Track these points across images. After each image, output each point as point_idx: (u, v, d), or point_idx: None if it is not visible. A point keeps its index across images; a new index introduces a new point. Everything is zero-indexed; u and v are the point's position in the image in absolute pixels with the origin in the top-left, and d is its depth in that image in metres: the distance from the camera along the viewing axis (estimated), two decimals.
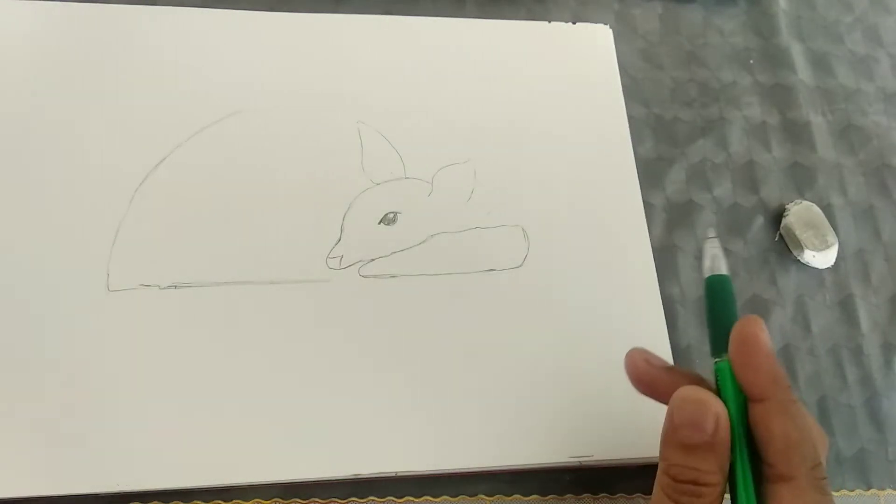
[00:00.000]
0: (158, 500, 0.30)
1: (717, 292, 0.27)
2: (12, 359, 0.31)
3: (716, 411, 0.24)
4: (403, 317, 0.34)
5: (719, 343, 0.26)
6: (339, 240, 0.36)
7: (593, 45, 0.43)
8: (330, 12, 0.42)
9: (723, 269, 0.27)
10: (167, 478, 0.30)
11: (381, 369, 0.33)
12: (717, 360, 0.26)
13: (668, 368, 0.28)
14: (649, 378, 0.28)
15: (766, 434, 0.24)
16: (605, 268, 0.37)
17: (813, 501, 0.24)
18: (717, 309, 0.27)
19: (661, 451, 0.25)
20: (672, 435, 0.25)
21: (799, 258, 0.39)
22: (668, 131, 0.42)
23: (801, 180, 0.42)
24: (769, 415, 0.24)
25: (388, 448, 0.32)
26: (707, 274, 0.27)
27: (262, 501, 0.31)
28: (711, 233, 0.28)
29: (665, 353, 0.35)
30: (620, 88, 0.42)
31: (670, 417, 0.25)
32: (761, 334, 0.25)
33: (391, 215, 0.37)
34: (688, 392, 0.25)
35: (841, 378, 0.37)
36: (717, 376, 0.26)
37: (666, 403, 0.27)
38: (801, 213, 0.40)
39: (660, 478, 0.25)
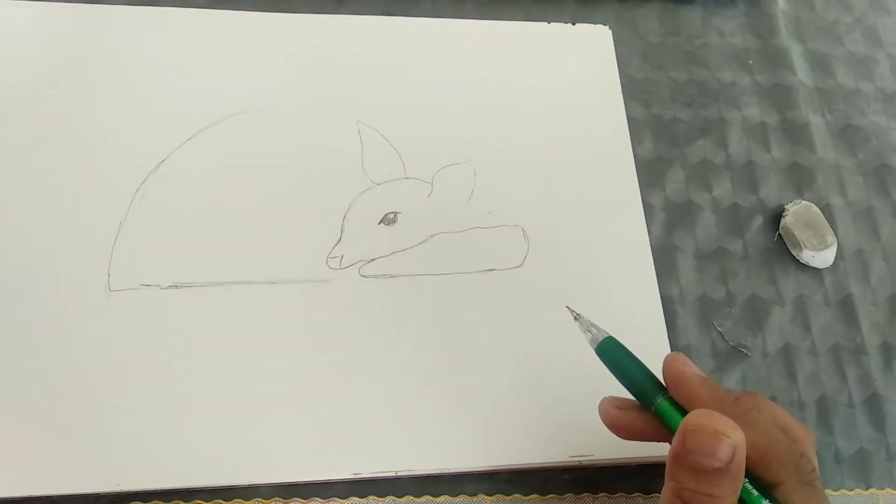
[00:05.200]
0: (159, 500, 0.30)
1: (613, 354, 0.28)
2: (13, 359, 0.32)
3: (734, 443, 0.23)
4: (403, 317, 0.34)
5: (645, 393, 0.27)
6: (340, 240, 0.36)
7: (593, 45, 0.44)
8: (330, 13, 0.42)
9: (603, 332, 0.28)
10: (167, 478, 0.30)
11: (381, 369, 0.33)
12: (652, 406, 0.27)
13: (640, 406, 0.28)
14: (625, 423, 0.28)
15: None
16: (604, 268, 0.37)
17: (803, 500, 0.24)
18: (623, 367, 0.27)
19: (669, 470, 0.24)
20: (683, 458, 0.23)
21: (798, 258, 0.39)
22: (668, 131, 0.42)
23: (801, 180, 0.42)
24: None
25: (388, 448, 0.32)
26: (594, 345, 0.28)
27: (263, 501, 0.31)
28: (574, 312, 0.29)
29: (664, 354, 0.35)
30: (620, 89, 0.42)
31: (681, 441, 0.23)
32: (686, 367, 0.26)
33: (391, 215, 0.37)
34: (701, 419, 0.24)
35: (840, 378, 0.37)
36: (662, 418, 0.26)
37: (649, 441, 0.28)
38: (800, 213, 0.40)
39: (669, 499, 0.24)
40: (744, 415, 0.25)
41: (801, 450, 0.25)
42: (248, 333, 0.33)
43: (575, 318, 0.29)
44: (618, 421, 0.28)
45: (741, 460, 0.23)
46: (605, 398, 0.29)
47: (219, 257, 0.35)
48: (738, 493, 0.24)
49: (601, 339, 0.28)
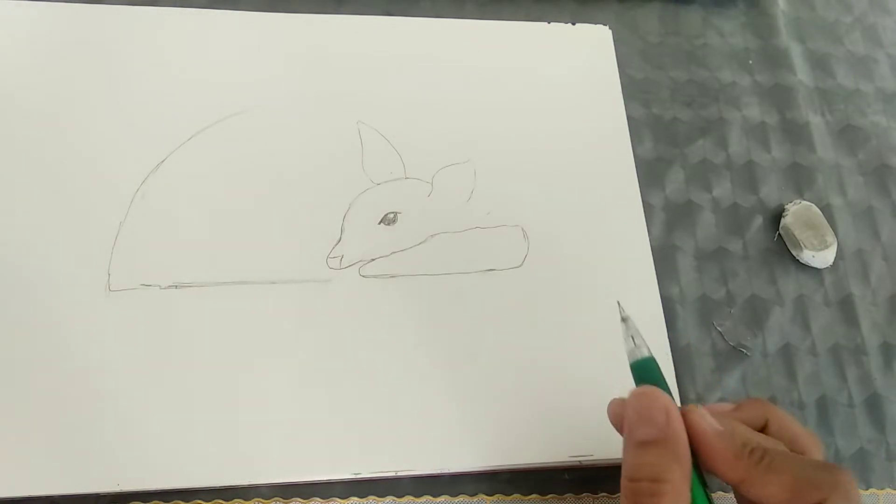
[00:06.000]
0: (158, 500, 0.30)
1: (645, 379, 0.26)
2: (13, 359, 0.32)
3: (664, 403, 0.24)
4: (403, 317, 0.34)
5: None
6: (340, 240, 0.36)
7: (593, 45, 0.44)
8: (330, 13, 0.42)
9: (646, 350, 0.27)
10: (167, 478, 0.30)
11: (381, 369, 0.33)
12: None
13: None
14: None
15: (766, 500, 0.24)
16: (604, 268, 0.37)
17: None
18: None
19: (622, 465, 0.25)
20: (628, 438, 0.25)
21: (798, 258, 0.39)
22: (668, 131, 0.42)
23: (801, 180, 0.42)
24: (755, 487, 0.24)
25: (388, 448, 0.32)
26: (631, 359, 0.27)
27: (263, 501, 0.31)
28: (623, 312, 0.27)
29: (664, 353, 0.35)
30: (620, 89, 0.42)
31: (627, 424, 0.25)
32: (703, 422, 0.25)
33: (391, 215, 0.37)
34: (639, 390, 0.25)
35: (840, 378, 0.37)
36: None
37: None
38: (800, 214, 0.40)
39: (622, 488, 0.24)
40: (763, 460, 0.24)
41: (835, 474, 0.24)
42: (249, 333, 0.33)
43: (622, 319, 0.27)
44: None
45: (678, 429, 0.24)
46: (614, 399, 0.28)
47: (219, 257, 0.35)
48: (684, 472, 0.23)
49: (641, 357, 0.26)
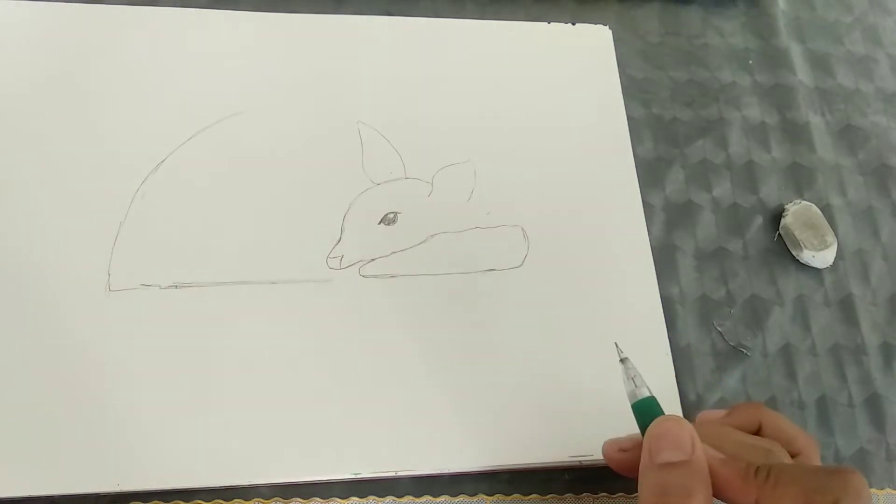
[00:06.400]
0: (158, 500, 0.30)
1: (648, 417, 0.26)
2: (12, 359, 0.32)
3: (689, 429, 0.25)
4: (403, 317, 0.34)
5: None
6: (340, 240, 0.36)
7: (593, 45, 0.44)
8: (330, 13, 0.42)
9: (646, 391, 0.27)
10: (167, 478, 0.30)
11: (381, 369, 0.33)
12: None
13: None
14: (629, 464, 0.28)
15: None
16: (604, 268, 0.37)
17: None
18: None
19: (639, 489, 0.25)
20: (650, 462, 0.25)
21: (798, 258, 0.39)
22: (668, 132, 0.42)
23: (801, 180, 0.42)
24: None
25: (388, 448, 0.32)
26: (632, 399, 0.27)
27: (263, 501, 0.31)
28: (622, 353, 0.28)
29: (664, 353, 0.35)
30: (620, 89, 0.42)
31: (647, 447, 0.25)
32: (705, 455, 0.25)
33: (391, 215, 0.37)
34: (664, 417, 0.26)
35: (840, 378, 0.37)
36: None
37: None
38: (800, 214, 0.40)
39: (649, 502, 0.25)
40: (767, 482, 0.24)
41: (843, 476, 0.24)
42: (248, 333, 0.33)
43: (621, 360, 0.28)
44: (621, 464, 0.28)
45: (701, 456, 0.24)
46: (607, 441, 0.29)
47: (219, 257, 0.35)
48: (707, 495, 0.24)
49: (642, 396, 0.27)
